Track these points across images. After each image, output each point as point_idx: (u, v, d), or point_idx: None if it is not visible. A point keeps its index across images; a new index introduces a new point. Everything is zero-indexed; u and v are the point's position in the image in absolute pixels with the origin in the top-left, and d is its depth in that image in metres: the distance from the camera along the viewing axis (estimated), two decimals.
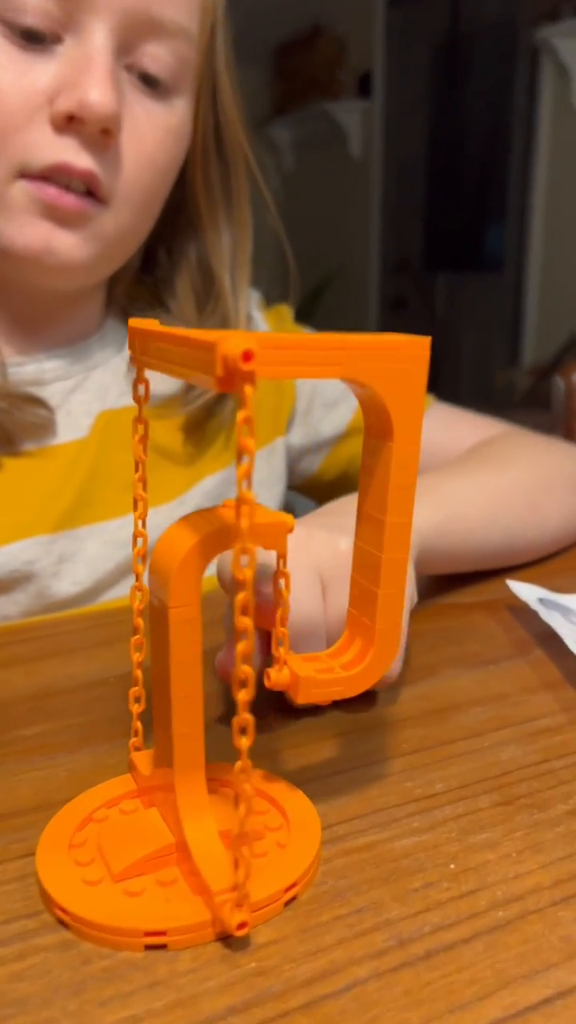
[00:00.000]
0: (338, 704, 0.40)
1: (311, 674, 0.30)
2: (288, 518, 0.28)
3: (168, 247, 0.67)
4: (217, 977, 0.25)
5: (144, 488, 0.31)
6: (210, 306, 0.66)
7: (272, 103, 4.15)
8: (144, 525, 0.32)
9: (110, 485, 0.60)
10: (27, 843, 0.31)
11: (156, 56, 0.55)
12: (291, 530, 0.28)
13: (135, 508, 0.31)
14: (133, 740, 0.34)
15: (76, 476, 0.59)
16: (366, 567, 0.31)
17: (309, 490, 0.77)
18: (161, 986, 0.25)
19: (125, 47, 0.54)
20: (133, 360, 0.30)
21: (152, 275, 0.67)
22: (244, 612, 0.24)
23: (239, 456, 0.23)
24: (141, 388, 0.30)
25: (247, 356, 0.22)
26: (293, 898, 0.28)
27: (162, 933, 0.26)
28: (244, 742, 0.25)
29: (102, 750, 0.37)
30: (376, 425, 0.29)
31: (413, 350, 0.28)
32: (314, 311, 3.36)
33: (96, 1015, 0.24)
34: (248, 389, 0.23)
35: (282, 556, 0.29)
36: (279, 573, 0.30)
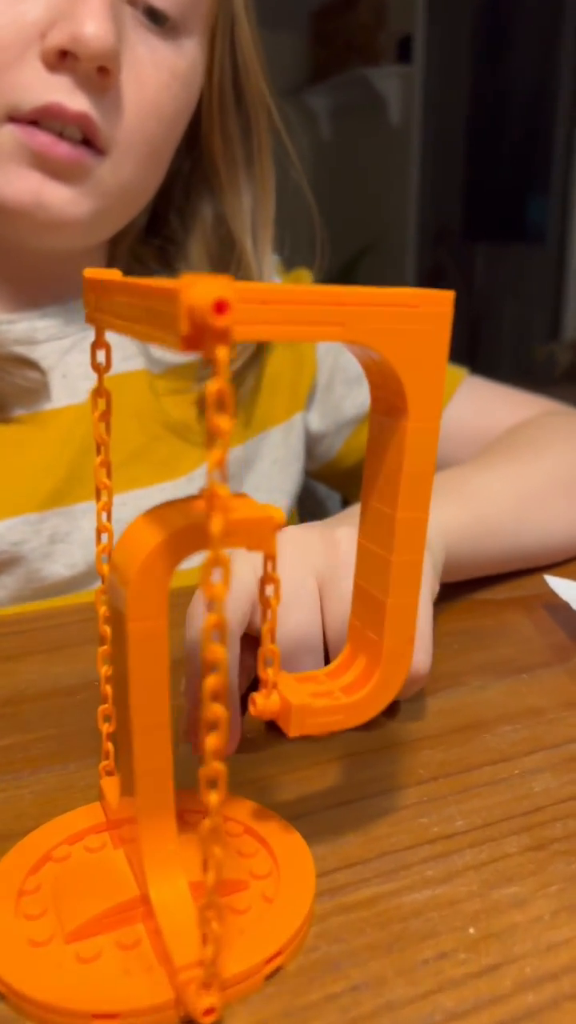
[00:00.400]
0: None
1: (306, 700, 0.25)
2: (276, 512, 0.23)
3: (179, 207, 0.61)
4: None
5: (108, 475, 0.26)
6: (231, 271, 0.60)
7: (308, 70, 4.04)
8: (109, 518, 0.27)
9: (112, 457, 0.55)
10: None
11: None
12: (280, 526, 0.23)
13: (98, 498, 0.27)
14: (104, 763, 0.29)
15: (71, 447, 0.54)
16: (372, 571, 0.25)
17: (327, 477, 0.72)
18: None
19: None
20: (88, 318, 0.24)
21: (159, 235, 0.62)
22: (216, 639, 0.19)
23: (210, 438, 0.18)
24: (100, 354, 0.25)
25: (220, 307, 0.17)
26: (278, 969, 0.24)
27: (113, 1016, 0.22)
28: (214, 797, 0.20)
29: (74, 769, 0.32)
30: (386, 399, 0.24)
31: (433, 307, 0.23)
32: (350, 282, 3.27)
33: None
34: (222, 351, 0.18)
35: (270, 558, 0.24)
36: (266, 578, 0.24)
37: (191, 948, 0.22)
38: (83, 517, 0.54)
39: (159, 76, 0.51)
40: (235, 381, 0.60)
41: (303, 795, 0.31)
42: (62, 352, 0.56)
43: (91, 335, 0.56)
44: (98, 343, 0.25)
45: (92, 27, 0.45)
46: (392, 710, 0.36)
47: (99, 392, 0.26)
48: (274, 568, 0.24)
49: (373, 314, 0.22)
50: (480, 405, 0.66)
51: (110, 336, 0.60)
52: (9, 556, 0.51)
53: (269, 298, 0.20)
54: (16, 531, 0.51)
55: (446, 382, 0.65)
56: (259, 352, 0.61)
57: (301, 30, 4.06)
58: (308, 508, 0.78)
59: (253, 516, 0.22)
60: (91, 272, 0.24)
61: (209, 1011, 0.21)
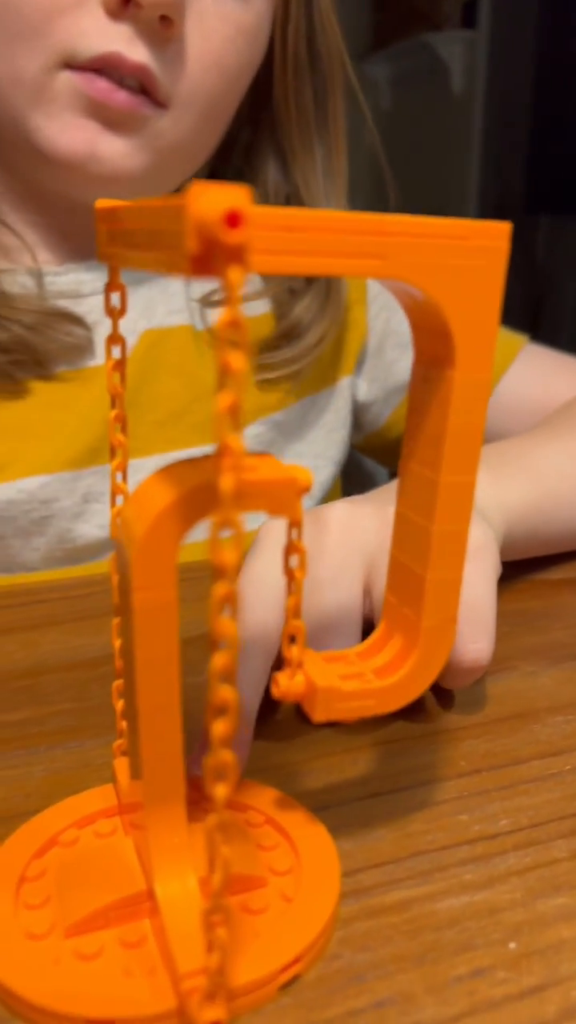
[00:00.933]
0: None
1: (334, 683, 0.23)
2: (301, 473, 0.20)
3: (239, 170, 0.59)
4: None
5: (123, 430, 0.24)
6: None
7: (369, 37, 3.95)
8: (124, 479, 0.24)
9: (150, 415, 0.54)
10: None
11: None
12: (306, 489, 0.20)
13: (112, 456, 0.24)
14: (118, 743, 0.27)
15: (106, 405, 0.52)
16: (411, 543, 0.23)
17: (374, 449, 0.69)
18: None
19: None
20: (100, 255, 0.22)
21: None
22: (227, 611, 0.17)
23: (221, 379, 0.16)
24: (115, 297, 0.23)
25: (232, 219, 0.15)
26: (295, 977, 0.21)
27: (110, 1022, 0.20)
28: (221, 791, 0.18)
29: (91, 746, 0.31)
30: (430, 348, 0.21)
31: (487, 240, 0.20)
32: None
33: None
34: (234, 273, 0.15)
35: (295, 524, 0.22)
36: (291, 547, 0.22)
37: (197, 953, 0.20)
38: (106, 479, 0.52)
39: (224, 29, 0.49)
40: (288, 338, 0.57)
41: (331, 784, 0.28)
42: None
43: (136, 291, 0.55)
44: (112, 284, 0.23)
45: None
46: (442, 698, 0.33)
47: (113, 339, 0.23)
48: (299, 536, 0.22)
49: (418, 246, 0.19)
50: (540, 375, 0.62)
51: (151, 293, 0.58)
52: (40, 515, 0.50)
53: (297, 224, 0.17)
54: (49, 488, 0.50)
55: (504, 350, 0.62)
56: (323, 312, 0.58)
57: None
58: (355, 481, 0.76)
59: (275, 477, 0.20)
60: (103, 202, 0.22)
61: None
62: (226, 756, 0.17)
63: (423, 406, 0.22)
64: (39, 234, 0.53)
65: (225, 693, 0.17)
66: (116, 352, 0.24)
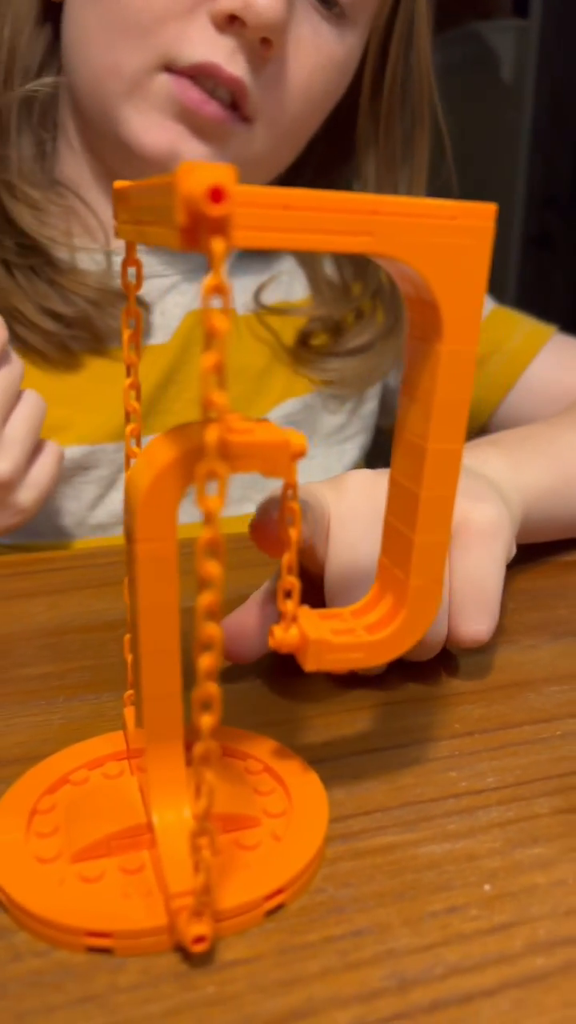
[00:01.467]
0: (386, 667, 0.33)
1: (325, 636, 0.24)
2: (295, 437, 0.22)
3: (310, 184, 0.61)
4: (163, 1000, 0.20)
5: (137, 398, 0.26)
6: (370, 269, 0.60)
7: None
8: (138, 443, 0.26)
9: (186, 392, 0.56)
10: None
11: None
12: (300, 454, 0.22)
13: (127, 421, 0.26)
14: (129, 692, 0.29)
15: (148, 382, 0.55)
16: (401, 506, 0.24)
17: None
18: (94, 1003, 0.20)
19: None
20: (116, 231, 0.24)
21: None
22: (212, 555, 0.19)
23: (207, 340, 0.17)
24: (131, 272, 0.24)
25: (215, 194, 0.16)
26: (279, 906, 0.23)
27: (106, 935, 0.21)
28: (207, 720, 0.19)
29: (106, 699, 0.32)
30: (421, 322, 0.23)
31: (473, 220, 0.21)
32: None
33: None
34: (217, 244, 0.17)
35: (290, 486, 0.23)
36: (285, 506, 0.23)
37: (187, 876, 0.21)
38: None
39: (317, 58, 0.51)
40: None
41: (329, 739, 0.30)
42: (163, 291, 0.57)
43: (192, 278, 0.57)
44: (128, 260, 0.24)
45: None
46: (448, 663, 0.35)
47: (128, 312, 0.25)
48: (295, 496, 0.23)
49: (406, 224, 0.20)
50: (567, 362, 0.63)
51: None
52: (80, 481, 0.53)
53: (287, 203, 0.19)
54: (91, 457, 0.53)
55: (532, 338, 0.63)
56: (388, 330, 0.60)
57: None
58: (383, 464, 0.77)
59: (269, 440, 0.21)
60: (120, 183, 0.23)
61: (199, 939, 0.21)
62: (212, 688, 0.19)
63: (415, 378, 0.23)
64: (106, 215, 0.56)
65: (210, 629, 0.18)
66: (132, 325, 0.25)
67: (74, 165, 0.56)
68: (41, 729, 0.31)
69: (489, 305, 0.64)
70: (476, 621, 0.32)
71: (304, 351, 0.59)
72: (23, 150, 0.53)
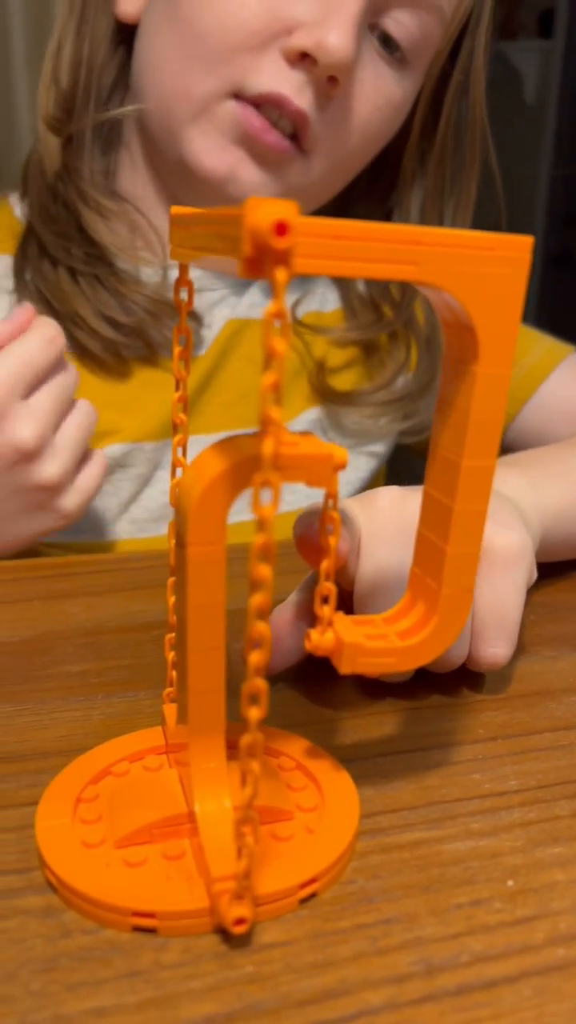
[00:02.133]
0: (412, 674, 0.35)
1: (359, 640, 0.26)
2: (337, 451, 0.23)
3: (352, 214, 0.63)
4: (204, 977, 0.22)
5: (184, 410, 0.27)
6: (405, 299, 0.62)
7: None
8: (184, 453, 0.28)
9: (221, 396, 0.59)
10: (39, 790, 0.28)
11: (402, 23, 0.53)
12: (341, 466, 0.23)
13: (174, 433, 0.27)
14: (168, 690, 0.30)
15: (197, 389, 0.58)
16: (435, 519, 0.26)
17: (423, 452, 0.71)
18: (140, 978, 0.22)
19: (376, 5, 0.51)
20: (172, 253, 0.25)
21: None
22: (264, 558, 0.20)
23: (267, 361, 0.19)
24: (184, 292, 0.26)
25: (280, 228, 0.18)
26: (312, 895, 0.24)
27: (151, 915, 0.23)
28: (255, 713, 0.21)
29: (143, 696, 0.34)
30: (459, 344, 0.24)
31: (510, 252, 0.23)
32: None
33: (60, 999, 0.21)
34: (280, 274, 0.18)
35: (331, 496, 0.25)
36: (326, 516, 0.25)
37: (228, 861, 0.23)
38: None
39: (377, 99, 0.54)
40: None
41: (358, 741, 0.31)
42: (210, 304, 0.59)
43: (240, 292, 0.59)
44: (181, 280, 0.26)
45: (336, 38, 0.48)
46: (471, 673, 0.36)
47: (180, 329, 0.26)
48: (335, 507, 0.25)
49: (448, 255, 0.22)
50: None
51: (253, 296, 0.63)
52: (117, 478, 0.56)
53: (340, 233, 0.20)
54: (130, 456, 0.56)
55: (548, 356, 0.64)
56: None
57: None
58: (407, 482, 0.78)
59: (314, 452, 0.23)
60: (178, 209, 0.25)
61: (240, 921, 0.22)
62: (260, 683, 0.20)
63: (451, 397, 0.25)
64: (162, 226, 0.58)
65: (261, 628, 0.20)
66: (182, 341, 0.27)
67: (135, 180, 0.58)
68: (81, 724, 0.32)
69: None
70: (494, 645, 0.33)
71: (331, 391, 0.61)
72: (95, 163, 0.56)
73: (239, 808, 0.21)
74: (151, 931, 0.23)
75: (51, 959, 0.22)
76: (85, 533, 0.56)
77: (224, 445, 0.23)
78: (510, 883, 0.25)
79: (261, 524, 0.19)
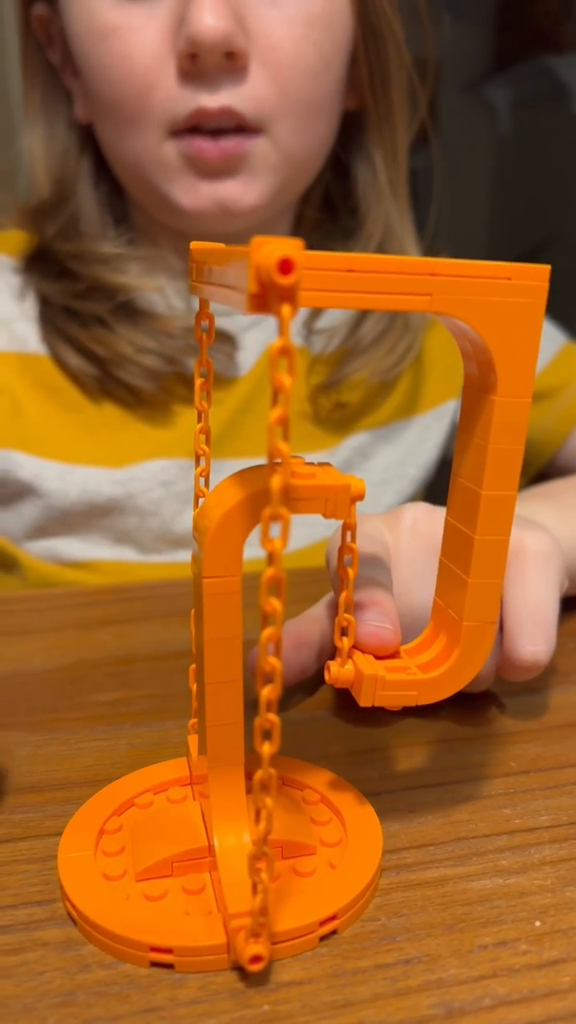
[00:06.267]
0: (442, 705, 0.34)
1: (379, 672, 0.25)
2: (355, 482, 0.23)
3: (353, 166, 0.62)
4: (220, 1015, 0.21)
5: (207, 441, 0.27)
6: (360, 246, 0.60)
7: (490, 60, 3.94)
8: (207, 483, 0.28)
9: (260, 422, 0.59)
10: (64, 820, 0.28)
11: None
12: (359, 497, 0.23)
13: (196, 464, 0.28)
14: (193, 721, 0.30)
15: (227, 407, 0.58)
16: (456, 549, 0.25)
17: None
18: (155, 1014, 0.21)
19: None
20: (191, 288, 0.26)
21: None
22: (274, 592, 0.20)
23: (274, 396, 0.19)
24: (204, 324, 0.26)
25: (284, 266, 0.18)
26: (333, 932, 0.24)
27: (168, 951, 0.23)
28: (267, 748, 0.21)
29: (171, 726, 0.34)
30: (477, 374, 0.24)
31: (528, 280, 0.22)
32: None
33: None
34: (286, 310, 0.18)
35: (348, 528, 0.24)
36: (344, 548, 0.25)
37: (246, 897, 0.23)
38: (224, 472, 0.57)
39: (293, 31, 0.50)
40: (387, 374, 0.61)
41: (385, 773, 0.31)
42: (243, 327, 0.59)
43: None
44: (201, 314, 0.26)
45: (202, 23, 0.47)
46: (503, 703, 0.35)
47: (201, 362, 0.27)
48: (353, 539, 0.25)
49: (463, 285, 0.22)
50: None
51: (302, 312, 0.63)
52: (157, 496, 0.56)
53: (353, 266, 0.20)
54: (168, 472, 0.56)
55: None
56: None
57: (486, 21, 3.96)
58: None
59: (330, 483, 0.23)
60: (197, 245, 0.25)
61: (256, 959, 0.22)
62: (272, 719, 0.20)
63: (471, 426, 0.24)
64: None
65: (272, 661, 0.20)
66: (203, 374, 0.27)
67: (143, 220, 0.59)
68: (108, 754, 0.32)
69: (560, 341, 0.65)
70: (533, 643, 0.31)
71: (328, 412, 0.61)
72: (93, 218, 0.57)
73: (254, 843, 0.21)
74: (168, 967, 0.23)
75: (69, 993, 0.22)
76: (127, 555, 0.56)
77: (243, 476, 0.23)
78: (538, 924, 0.24)
79: (271, 558, 0.19)
